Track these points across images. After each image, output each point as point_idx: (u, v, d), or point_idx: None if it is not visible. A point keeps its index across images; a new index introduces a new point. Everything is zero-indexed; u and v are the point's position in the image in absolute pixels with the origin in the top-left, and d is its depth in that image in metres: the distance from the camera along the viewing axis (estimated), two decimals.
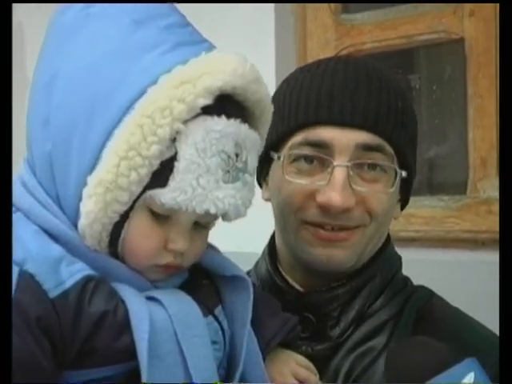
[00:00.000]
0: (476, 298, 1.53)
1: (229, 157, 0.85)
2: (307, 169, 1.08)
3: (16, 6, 2.46)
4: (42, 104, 0.87)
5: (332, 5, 2.15)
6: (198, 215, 0.86)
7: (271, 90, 1.01)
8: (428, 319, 1.12)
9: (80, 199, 0.84)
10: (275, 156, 1.11)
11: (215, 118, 0.84)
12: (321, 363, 1.05)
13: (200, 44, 0.89)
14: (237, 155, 0.86)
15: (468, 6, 1.90)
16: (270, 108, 0.95)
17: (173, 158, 0.82)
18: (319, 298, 1.11)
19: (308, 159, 1.08)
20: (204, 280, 0.96)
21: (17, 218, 0.86)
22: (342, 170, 1.05)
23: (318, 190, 1.06)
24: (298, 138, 1.09)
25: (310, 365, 1.02)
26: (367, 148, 1.07)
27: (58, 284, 0.80)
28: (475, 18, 1.89)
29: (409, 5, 2.02)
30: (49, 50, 0.90)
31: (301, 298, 1.12)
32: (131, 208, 0.84)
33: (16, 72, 2.77)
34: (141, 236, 0.86)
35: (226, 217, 0.89)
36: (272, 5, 2.14)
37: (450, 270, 1.81)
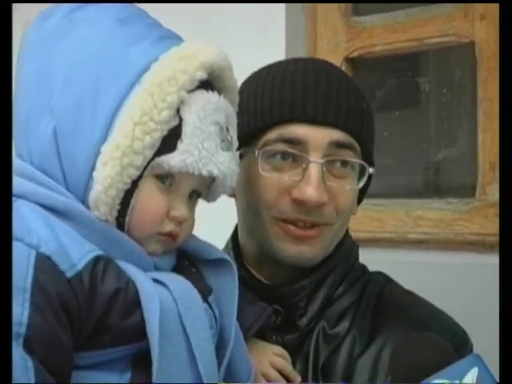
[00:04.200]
0: (483, 300, 1.53)
1: (221, 128, 0.94)
2: (281, 165, 1.11)
3: (24, 6, 2.47)
4: (38, 96, 0.92)
5: (342, 7, 2.15)
6: (196, 182, 0.95)
7: None
8: (385, 303, 1.18)
9: (92, 170, 0.89)
10: (251, 152, 1.13)
11: (210, 92, 0.94)
12: (291, 352, 1.09)
13: (180, 38, 0.98)
14: (227, 129, 0.96)
15: (479, 10, 1.90)
16: (238, 98, 1.03)
17: (177, 127, 0.90)
18: (286, 289, 1.15)
19: (282, 155, 1.11)
20: (192, 268, 1.01)
21: (20, 204, 0.88)
22: (317, 166, 1.09)
23: (292, 186, 1.10)
24: (273, 134, 1.11)
25: (286, 354, 1.08)
26: (339, 145, 1.11)
27: (72, 265, 0.84)
28: (486, 22, 1.89)
29: (419, 8, 2.03)
30: (34, 52, 0.95)
31: (268, 291, 1.16)
32: (140, 177, 0.90)
33: None
34: (148, 203, 0.92)
35: (222, 182, 0.97)
36: (283, 6, 2.14)
37: (457, 272, 1.81)
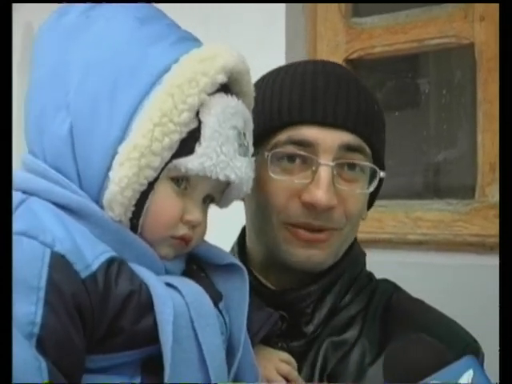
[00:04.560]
0: (483, 302, 1.53)
1: (239, 132, 0.94)
2: (290, 167, 1.10)
3: (25, 7, 2.47)
4: (53, 93, 0.91)
5: (342, 8, 2.15)
6: (211, 186, 0.94)
7: None
8: (394, 311, 1.16)
9: (107, 170, 0.88)
10: (260, 154, 1.11)
11: (229, 96, 0.93)
12: (297, 359, 1.08)
13: (198, 40, 0.97)
14: (244, 134, 0.95)
15: (478, 11, 1.90)
16: (253, 104, 1.02)
17: (196, 130, 0.89)
18: (292, 295, 1.13)
19: (291, 158, 1.10)
20: (201, 273, 1.00)
21: (33, 202, 0.87)
22: (327, 169, 1.07)
23: (301, 189, 1.08)
24: (282, 136, 1.10)
25: (292, 360, 1.06)
26: (349, 148, 1.09)
27: (87, 266, 0.83)
28: (485, 23, 1.89)
29: (419, 9, 2.03)
30: (49, 49, 0.94)
31: (274, 297, 1.14)
32: (156, 179, 0.89)
33: (26, 71, 2.79)
34: (164, 206, 0.91)
35: (238, 188, 0.96)
36: (283, 6, 2.14)
37: (457, 273, 1.81)
